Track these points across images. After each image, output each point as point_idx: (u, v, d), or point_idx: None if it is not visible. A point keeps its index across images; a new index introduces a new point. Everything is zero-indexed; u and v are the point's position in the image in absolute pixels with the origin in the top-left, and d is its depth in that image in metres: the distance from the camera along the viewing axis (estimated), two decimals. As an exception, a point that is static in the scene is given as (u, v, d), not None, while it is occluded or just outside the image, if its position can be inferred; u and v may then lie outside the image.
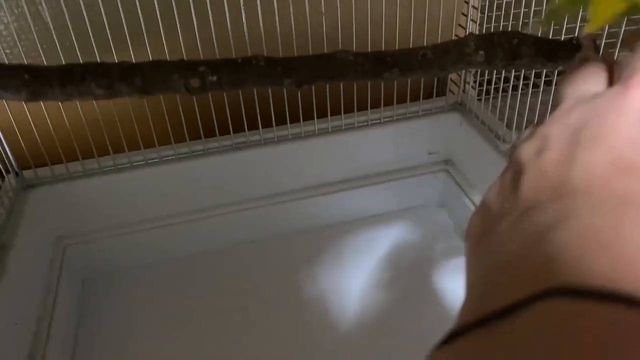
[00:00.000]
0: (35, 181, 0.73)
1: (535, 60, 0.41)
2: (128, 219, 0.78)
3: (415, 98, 0.82)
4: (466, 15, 0.78)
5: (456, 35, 0.81)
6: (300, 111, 0.77)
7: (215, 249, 0.83)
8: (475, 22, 0.77)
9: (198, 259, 0.82)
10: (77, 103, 0.69)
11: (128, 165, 0.75)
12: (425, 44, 0.59)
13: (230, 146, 0.78)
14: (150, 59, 0.38)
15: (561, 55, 0.40)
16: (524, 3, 0.68)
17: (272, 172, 0.81)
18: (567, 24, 0.61)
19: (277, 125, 0.77)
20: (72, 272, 0.75)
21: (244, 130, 0.77)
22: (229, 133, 0.77)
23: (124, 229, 0.78)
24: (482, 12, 0.75)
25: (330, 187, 0.84)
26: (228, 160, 0.77)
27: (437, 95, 0.89)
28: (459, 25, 0.80)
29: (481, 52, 0.39)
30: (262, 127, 0.77)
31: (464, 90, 0.84)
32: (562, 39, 0.44)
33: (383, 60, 0.40)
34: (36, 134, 0.69)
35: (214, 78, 0.38)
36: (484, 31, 0.75)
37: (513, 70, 0.69)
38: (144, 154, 0.75)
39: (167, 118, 0.72)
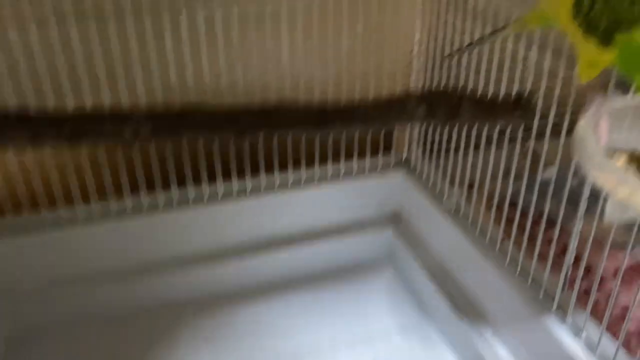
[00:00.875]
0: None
1: (475, 117, 0.41)
2: (54, 276, 0.73)
3: (361, 154, 0.83)
4: (411, 70, 0.80)
5: (403, 89, 0.83)
6: (248, 166, 0.75)
7: (151, 308, 0.78)
8: (420, 76, 0.79)
9: (129, 318, 0.77)
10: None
11: (52, 222, 0.71)
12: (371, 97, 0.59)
13: (170, 203, 0.75)
14: (89, 106, 0.36)
15: (500, 113, 0.41)
16: (465, 61, 0.70)
17: (215, 229, 0.78)
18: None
19: (223, 180, 0.76)
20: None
21: (183, 185, 0.75)
22: (168, 188, 0.74)
23: (50, 286, 0.73)
24: (427, 67, 0.78)
25: (276, 246, 0.81)
26: (167, 218, 0.75)
27: (383, 152, 0.90)
28: (405, 78, 0.82)
29: (422, 108, 0.39)
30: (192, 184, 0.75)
31: (409, 148, 0.86)
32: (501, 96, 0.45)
33: (326, 112, 0.39)
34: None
35: (149, 128, 0.37)
36: (428, 83, 0.78)
37: (456, 128, 0.71)
38: (72, 210, 0.71)
39: (99, 172, 0.69)
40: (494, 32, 0.52)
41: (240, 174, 0.76)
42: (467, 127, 0.61)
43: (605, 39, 0.34)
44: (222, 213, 0.78)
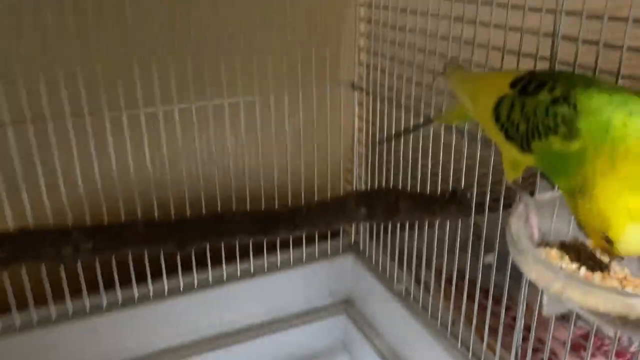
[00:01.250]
0: None
1: (413, 215, 0.43)
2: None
3: (310, 240, 0.83)
4: (352, 171, 0.83)
5: (345, 187, 0.85)
6: (193, 258, 0.74)
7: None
8: (361, 179, 0.82)
9: None
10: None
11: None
12: (316, 198, 0.60)
13: (114, 303, 0.72)
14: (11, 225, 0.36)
15: (437, 209, 0.43)
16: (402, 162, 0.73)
17: (161, 327, 0.75)
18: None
19: (167, 276, 0.74)
20: None
21: (127, 284, 0.72)
22: (112, 288, 0.71)
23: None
24: (368, 166, 0.80)
25: (226, 339, 0.79)
26: (108, 320, 0.71)
27: (332, 237, 0.90)
28: (346, 180, 0.85)
29: (363, 209, 0.41)
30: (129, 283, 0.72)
31: (357, 231, 0.87)
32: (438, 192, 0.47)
33: (270, 219, 0.40)
34: None
35: (89, 245, 0.36)
36: (369, 180, 0.80)
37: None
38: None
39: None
40: (420, 125, 0.55)
41: (187, 267, 0.75)
42: (405, 222, 0.63)
43: (524, 145, 0.37)
44: (167, 310, 0.75)
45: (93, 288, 0.70)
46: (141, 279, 0.72)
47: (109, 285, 0.70)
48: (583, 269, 0.38)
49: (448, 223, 0.63)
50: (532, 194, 0.41)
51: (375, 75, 0.74)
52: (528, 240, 0.36)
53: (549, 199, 0.40)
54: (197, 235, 0.37)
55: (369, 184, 0.78)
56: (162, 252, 0.55)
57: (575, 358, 0.52)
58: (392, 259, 0.77)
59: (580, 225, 0.35)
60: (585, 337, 0.46)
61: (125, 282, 0.71)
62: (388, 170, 0.75)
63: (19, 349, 0.68)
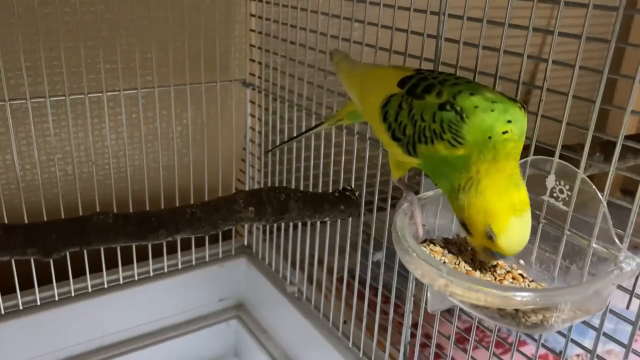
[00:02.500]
0: None
1: (303, 214, 0.42)
2: None
3: (200, 242, 0.80)
4: (244, 171, 0.80)
5: (237, 188, 0.83)
6: (68, 265, 0.68)
7: None
8: (254, 179, 0.80)
9: None
10: None
11: None
12: (207, 199, 0.57)
13: None
14: None
15: (326, 207, 0.42)
16: (299, 160, 0.72)
17: (43, 336, 0.68)
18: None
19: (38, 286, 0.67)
20: None
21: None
22: None
23: None
24: (261, 159, 0.78)
25: (111, 350, 0.73)
26: None
27: (223, 239, 0.87)
28: (238, 180, 0.82)
29: (251, 209, 0.39)
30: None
31: (249, 232, 0.85)
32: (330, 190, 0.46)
33: (148, 220, 0.37)
34: None
35: None
36: (262, 181, 0.78)
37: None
38: None
39: None
40: (310, 129, 0.55)
41: (62, 277, 0.68)
42: (295, 222, 0.62)
43: (410, 148, 0.37)
44: (47, 319, 0.68)
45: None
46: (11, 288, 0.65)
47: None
48: (465, 265, 0.39)
49: (339, 222, 0.64)
50: (417, 192, 0.41)
51: (268, 74, 0.73)
52: (412, 237, 0.36)
53: (433, 196, 0.41)
54: (63, 241, 0.33)
55: (262, 185, 0.77)
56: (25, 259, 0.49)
57: (460, 351, 0.54)
58: (285, 259, 0.76)
59: (463, 224, 0.36)
60: (469, 330, 0.48)
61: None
62: (281, 171, 0.74)
63: None
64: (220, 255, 0.81)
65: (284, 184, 0.70)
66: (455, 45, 0.45)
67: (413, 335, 0.57)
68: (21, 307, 0.67)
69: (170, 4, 0.67)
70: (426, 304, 0.43)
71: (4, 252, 0.33)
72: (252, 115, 0.78)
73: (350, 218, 0.51)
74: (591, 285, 0.33)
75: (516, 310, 0.33)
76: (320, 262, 0.69)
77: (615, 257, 0.35)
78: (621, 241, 0.35)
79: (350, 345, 0.65)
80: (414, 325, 0.56)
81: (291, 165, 0.71)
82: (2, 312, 0.67)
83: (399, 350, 0.58)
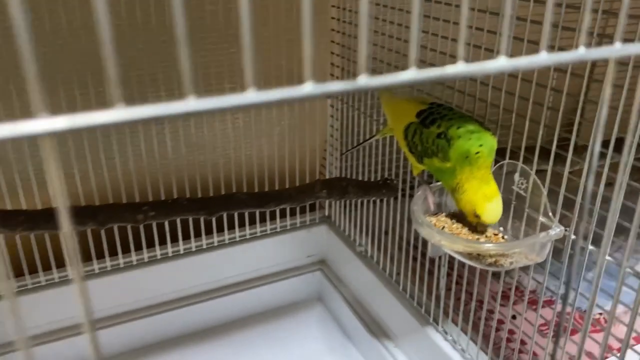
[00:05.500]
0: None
1: (358, 194, 0.65)
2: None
3: (293, 213, 1.06)
4: (324, 166, 1.05)
5: (320, 174, 1.08)
6: (203, 225, 0.96)
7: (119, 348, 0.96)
8: (334, 167, 1.04)
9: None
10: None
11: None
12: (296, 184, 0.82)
13: (141, 261, 0.94)
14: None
15: (372, 191, 0.66)
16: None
17: (179, 280, 0.98)
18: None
19: (183, 239, 0.96)
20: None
21: (164, 244, 0.95)
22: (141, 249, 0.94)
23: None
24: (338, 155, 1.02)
25: (228, 289, 1.02)
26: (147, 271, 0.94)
27: (310, 210, 1.13)
28: (322, 165, 1.07)
29: (324, 191, 0.63)
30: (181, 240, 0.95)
31: (329, 206, 1.09)
32: (374, 179, 0.69)
33: (264, 197, 0.62)
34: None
35: (153, 213, 0.58)
36: (338, 165, 1.02)
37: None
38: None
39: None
40: (370, 137, 0.78)
41: (197, 234, 0.97)
42: (352, 199, 0.85)
43: (419, 158, 0.59)
44: (185, 266, 0.98)
45: (123, 250, 0.92)
46: (160, 242, 0.95)
47: (137, 248, 0.93)
48: (466, 230, 0.61)
49: (393, 200, 0.86)
50: (430, 183, 0.63)
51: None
52: (423, 213, 0.59)
53: (440, 186, 0.63)
54: (220, 206, 0.60)
55: (339, 173, 1.01)
56: (192, 218, 0.77)
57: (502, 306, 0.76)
58: (355, 226, 1.00)
59: (459, 209, 0.58)
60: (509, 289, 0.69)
61: (141, 247, 0.94)
62: (351, 165, 0.98)
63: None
64: (308, 223, 1.07)
65: (352, 173, 0.94)
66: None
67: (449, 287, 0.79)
68: (170, 254, 0.97)
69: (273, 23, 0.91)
70: (429, 252, 0.65)
71: (188, 212, 0.59)
72: (332, 118, 1.02)
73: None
74: (527, 241, 0.54)
75: (478, 254, 0.55)
76: (380, 229, 0.92)
77: (550, 226, 0.55)
78: (554, 215, 0.56)
79: (401, 290, 0.88)
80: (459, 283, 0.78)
81: (358, 161, 0.95)
82: (158, 256, 0.96)
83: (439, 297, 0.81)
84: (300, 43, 0.21)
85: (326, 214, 1.10)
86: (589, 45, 0.25)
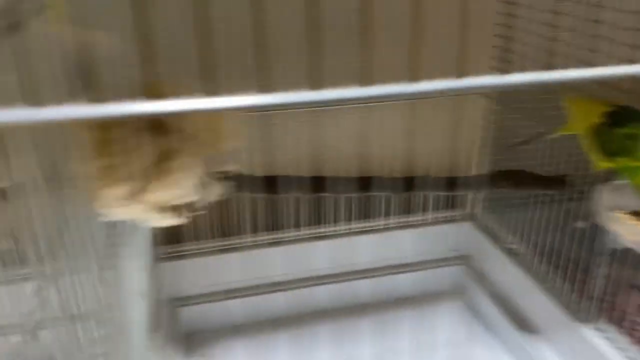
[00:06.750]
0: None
1: (535, 186, 0.69)
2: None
3: (437, 208, 1.11)
4: (474, 153, 1.09)
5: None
6: (356, 214, 1.04)
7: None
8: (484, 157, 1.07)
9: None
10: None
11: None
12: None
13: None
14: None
15: (552, 186, 0.69)
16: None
17: (334, 257, 1.07)
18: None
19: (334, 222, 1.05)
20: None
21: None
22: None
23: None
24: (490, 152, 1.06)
25: (375, 272, 1.09)
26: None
27: (454, 208, 1.17)
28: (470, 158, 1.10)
29: (507, 182, 0.68)
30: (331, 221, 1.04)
31: (474, 204, 1.13)
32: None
33: (410, 180, 0.68)
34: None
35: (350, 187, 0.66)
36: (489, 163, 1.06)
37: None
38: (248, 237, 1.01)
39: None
40: (540, 135, 0.81)
41: (348, 219, 1.05)
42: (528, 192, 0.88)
43: (604, 157, 0.62)
44: (337, 246, 1.06)
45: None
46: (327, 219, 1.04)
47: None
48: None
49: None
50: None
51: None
52: (612, 210, 0.62)
53: (624, 184, 0.65)
54: (408, 186, 0.66)
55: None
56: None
57: None
58: (500, 224, 1.03)
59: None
60: None
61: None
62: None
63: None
64: (456, 217, 1.12)
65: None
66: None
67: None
68: (329, 233, 1.06)
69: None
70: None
71: (350, 190, 0.66)
72: (485, 122, 1.05)
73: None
74: None
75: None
76: (531, 226, 0.95)
77: None
78: None
79: (554, 287, 0.90)
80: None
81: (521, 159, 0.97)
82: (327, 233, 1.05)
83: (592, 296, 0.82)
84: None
85: (470, 210, 1.13)
86: None
